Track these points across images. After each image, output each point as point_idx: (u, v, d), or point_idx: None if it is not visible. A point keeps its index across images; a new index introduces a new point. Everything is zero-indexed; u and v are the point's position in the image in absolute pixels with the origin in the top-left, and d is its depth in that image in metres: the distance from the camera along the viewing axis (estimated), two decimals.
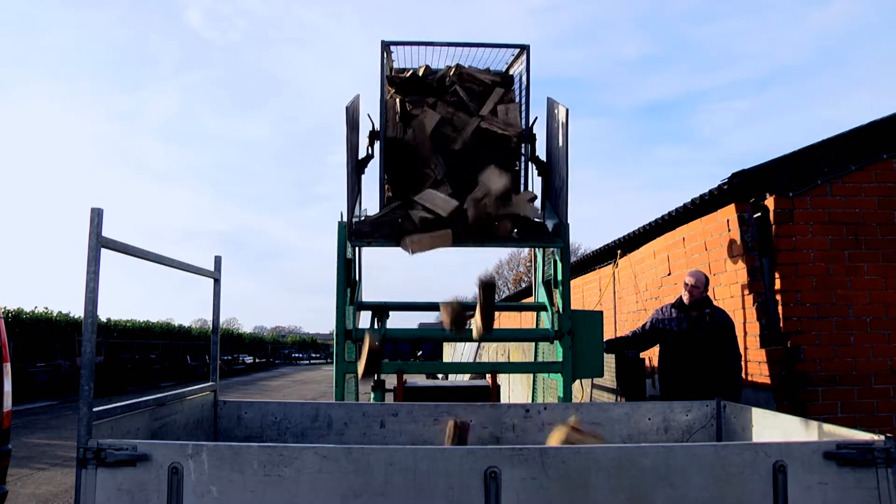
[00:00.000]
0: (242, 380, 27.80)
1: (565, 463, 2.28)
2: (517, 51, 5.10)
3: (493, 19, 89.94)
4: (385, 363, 5.50)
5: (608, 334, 5.84)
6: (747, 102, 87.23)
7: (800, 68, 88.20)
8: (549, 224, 4.74)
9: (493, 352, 17.31)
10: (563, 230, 4.54)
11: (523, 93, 5.09)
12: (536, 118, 5.07)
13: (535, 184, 5.14)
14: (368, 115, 4.91)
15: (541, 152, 5.08)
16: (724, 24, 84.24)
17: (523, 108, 5.10)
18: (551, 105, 4.88)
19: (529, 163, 5.12)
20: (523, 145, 5.09)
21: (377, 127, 4.88)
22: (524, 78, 5.03)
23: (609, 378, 5.86)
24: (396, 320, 6.85)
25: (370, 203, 5.63)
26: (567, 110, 4.52)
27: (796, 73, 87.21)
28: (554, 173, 4.80)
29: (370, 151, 4.96)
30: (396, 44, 5.01)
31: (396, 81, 5.05)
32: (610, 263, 8.80)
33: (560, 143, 4.60)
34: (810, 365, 5.07)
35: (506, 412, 3.71)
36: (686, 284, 4.67)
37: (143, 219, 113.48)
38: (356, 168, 4.75)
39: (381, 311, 5.23)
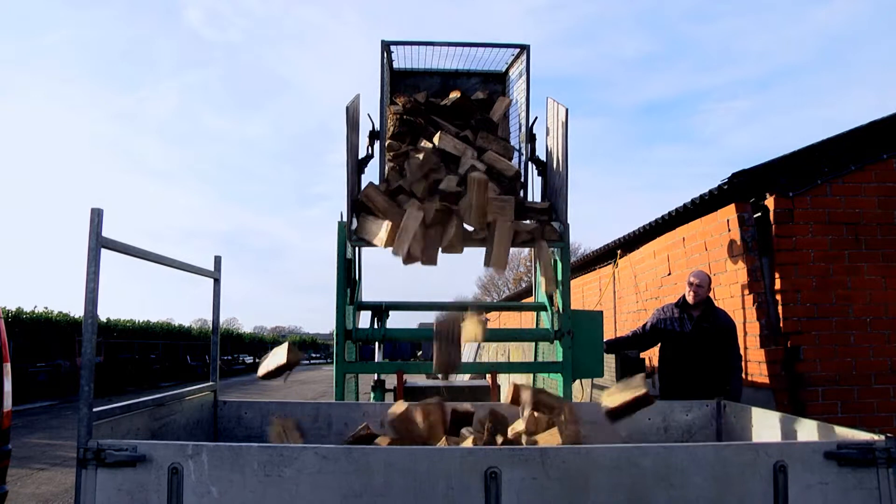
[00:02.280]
0: (242, 380, 27.78)
1: (566, 463, 2.28)
2: (517, 51, 5.10)
3: (494, 19, 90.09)
4: (385, 363, 5.51)
5: (608, 334, 5.84)
6: (747, 102, 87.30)
7: (800, 68, 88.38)
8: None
9: (493, 352, 17.30)
10: (564, 230, 4.55)
11: (522, 94, 5.09)
12: (536, 118, 5.08)
13: (535, 184, 5.14)
14: (368, 115, 4.91)
15: (541, 152, 5.08)
16: (725, 24, 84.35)
17: (523, 108, 5.10)
18: (551, 105, 4.89)
19: (529, 163, 5.12)
20: (523, 143, 5.09)
21: (377, 127, 4.88)
22: (524, 78, 5.03)
23: (609, 378, 5.85)
24: (396, 320, 6.84)
25: None
26: (567, 110, 4.53)
27: (796, 73, 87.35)
28: (554, 173, 4.80)
29: (370, 151, 4.97)
30: (396, 44, 5.01)
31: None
32: (610, 263, 8.81)
33: (560, 143, 4.60)
34: (810, 365, 5.07)
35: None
36: (691, 284, 4.66)
37: (143, 219, 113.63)
38: (356, 168, 4.75)
39: (381, 311, 5.23)
